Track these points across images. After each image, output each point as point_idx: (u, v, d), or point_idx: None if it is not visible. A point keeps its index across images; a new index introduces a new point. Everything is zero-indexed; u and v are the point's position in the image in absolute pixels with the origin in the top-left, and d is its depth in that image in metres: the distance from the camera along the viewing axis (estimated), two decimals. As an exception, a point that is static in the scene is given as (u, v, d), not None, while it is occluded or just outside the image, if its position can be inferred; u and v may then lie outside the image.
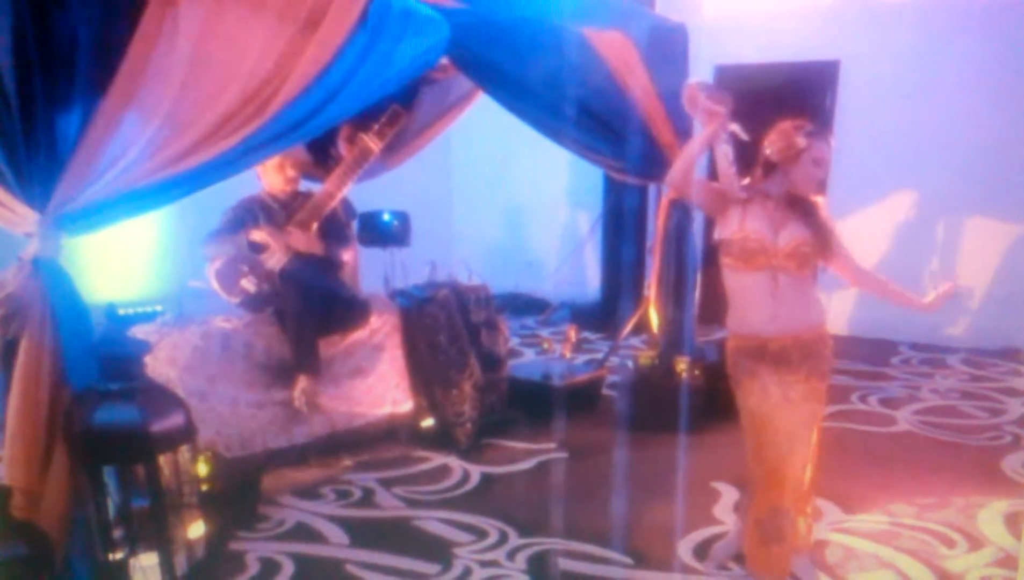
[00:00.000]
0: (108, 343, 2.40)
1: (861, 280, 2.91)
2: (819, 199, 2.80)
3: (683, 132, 4.23)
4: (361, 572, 3.08)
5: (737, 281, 2.79)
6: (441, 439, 4.34)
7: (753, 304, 2.75)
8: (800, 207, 2.74)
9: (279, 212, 4.04)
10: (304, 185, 4.29)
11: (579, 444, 4.40)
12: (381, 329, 4.33)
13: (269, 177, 4.04)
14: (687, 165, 2.83)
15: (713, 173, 3.02)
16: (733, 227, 2.76)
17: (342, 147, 4.22)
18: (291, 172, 4.06)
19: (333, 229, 4.16)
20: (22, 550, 2.28)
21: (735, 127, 2.88)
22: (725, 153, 2.88)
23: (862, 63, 6.53)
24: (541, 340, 5.94)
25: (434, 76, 4.30)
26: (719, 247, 2.82)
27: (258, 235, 3.93)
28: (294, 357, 3.93)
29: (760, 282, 2.72)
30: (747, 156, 2.88)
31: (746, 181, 2.84)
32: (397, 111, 4.05)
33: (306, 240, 4.00)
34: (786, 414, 2.74)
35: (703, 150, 2.89)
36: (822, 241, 2.73)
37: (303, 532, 3.41)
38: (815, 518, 3.24)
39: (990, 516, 3.53)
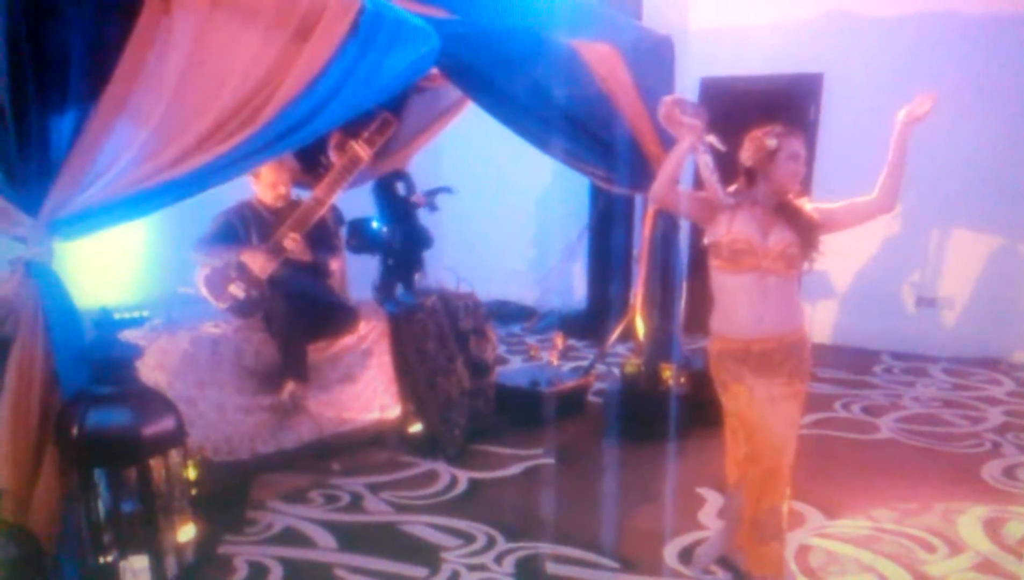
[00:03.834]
0: (100, 347, 2.41)
1: (881, 201, 2.84)
2: (803, 200, 2.87)
3: (669, 143, 4.22)
4: (349, 576, 3.10)
5: (725, 283, 2.84)
6: (429, 444, 4.36)
7: (741, 305, 2.80)
8: (787, 211, 2.80)
9: (270, 219, 4.06)
10: (294, 193, 4.30)
11: (566, 450, 4.43)
12: (369, 335, 4.35)
13: (261, 190, 4.06)
14: (669, 179, 2.89)
15: (698, 183, 3.08)
16: (722, 230, 2.82)
17: (332, 155, 4.23)
18: (283, 189, 4.09)
19: (321, 236, 4.18)
20: (12, 553, 2.29)
21: (712, 138, 2.95)
22: (706, 163, 2.94)
23: (846, 76, 6.61)
24: (528, 347, 5.96)
25: (423, 85, 4.34)
26: (708, 250, 2.88)
27: (248, 257, 3.93)
28: (282, 363, 3.94)
29: (748, 283, 2.78)
30: (728, 164, 2.94)
31: (733, 188, 2.89)
32: (387, 119, 4.07)
33: (298, 248, 4.01)
34: (774, 415, 2.80)
35: (682, 163, 2.95)
36: (809, 241, 2.79)
37: (291, 536, 3.43)
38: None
39: (970, 521, 3.58)
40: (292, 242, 3.96)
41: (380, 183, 6.87)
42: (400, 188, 6.92)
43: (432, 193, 7.01)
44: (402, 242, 6.96)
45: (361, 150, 4.02)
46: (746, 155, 2.81)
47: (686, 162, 2.98)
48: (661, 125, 3.07)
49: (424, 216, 7.06)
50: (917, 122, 2.79)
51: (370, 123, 4.05)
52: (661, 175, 2.90)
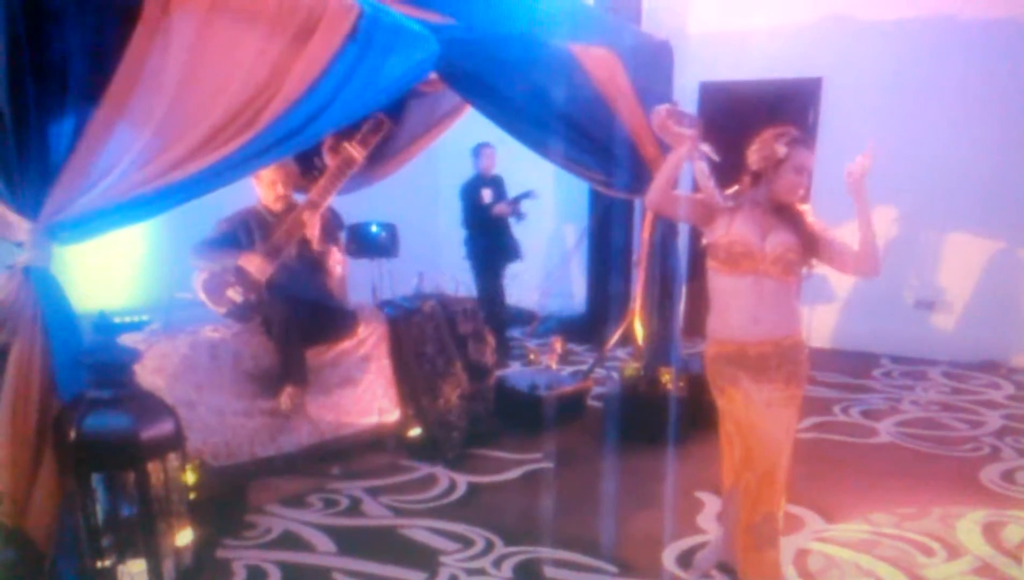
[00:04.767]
0: (98, 351, 2.41)
1: (861, 265, 2.72)
2: (804, 207, 2.86)
3: (667, 147, 4.27)
4: (347, 580, 3.11)
5: (722, 284, 2.84)
6: (428, 448, 4.36)
7: (737, 308, 2.80)
8: (787, 215, 2.79)
9: (273, 224, 4.06)
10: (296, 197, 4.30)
11: (564, 454, 4.43)
12: (368, 339, 4.35)
13: (262, 191, 4.06)
14: (663, 187, 2.88)
15: (695, 188, 3.08)
16: (720, 231, 2.82)
17: (327, 157, 4.23)
18: (282, 189, 4.08)
19: (325, 231, 4.18)
20: (10, 556, 2.29)
21: (706, 147, 2.94)
22: (701, 169, 2.94)
23: (844, 80, 6.63)
24: (527, 351, 5.96)
25: (422, 89, 4.34)
26: (706, 250, 2.87)
27: (245, 261, 3.93)
28: (281, 367, 3.94)
29: (745, 286, 2.77)
30: (723, 170, 2.94)
31: (733, 189, 2.89)
32: (380, 119, 4.05)
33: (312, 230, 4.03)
34: (770, 419, 2.79)
35: (676, 171, 2.94)
36: (808, 248, 2.78)
37: (290, 540, 3.43)
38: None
39: (968, 525, 3.59)
40: (310, 216, 3.96)
41: (465, 189, 6.71)
42: (487, 196, 6.68)
43: (516, 200, 6.77)
44: (484, 252, 6.74)
45: (354, 151, 4.01)
46: (754, 157, 2.78)
47: (681, 170, 2.98)
48: (659, 130, 3.06)
49: (424, 218, 7.01)
50: (859, 181, 2.68)
51: (363, 124, 4.05)
52: (656, 183, 2.90)
